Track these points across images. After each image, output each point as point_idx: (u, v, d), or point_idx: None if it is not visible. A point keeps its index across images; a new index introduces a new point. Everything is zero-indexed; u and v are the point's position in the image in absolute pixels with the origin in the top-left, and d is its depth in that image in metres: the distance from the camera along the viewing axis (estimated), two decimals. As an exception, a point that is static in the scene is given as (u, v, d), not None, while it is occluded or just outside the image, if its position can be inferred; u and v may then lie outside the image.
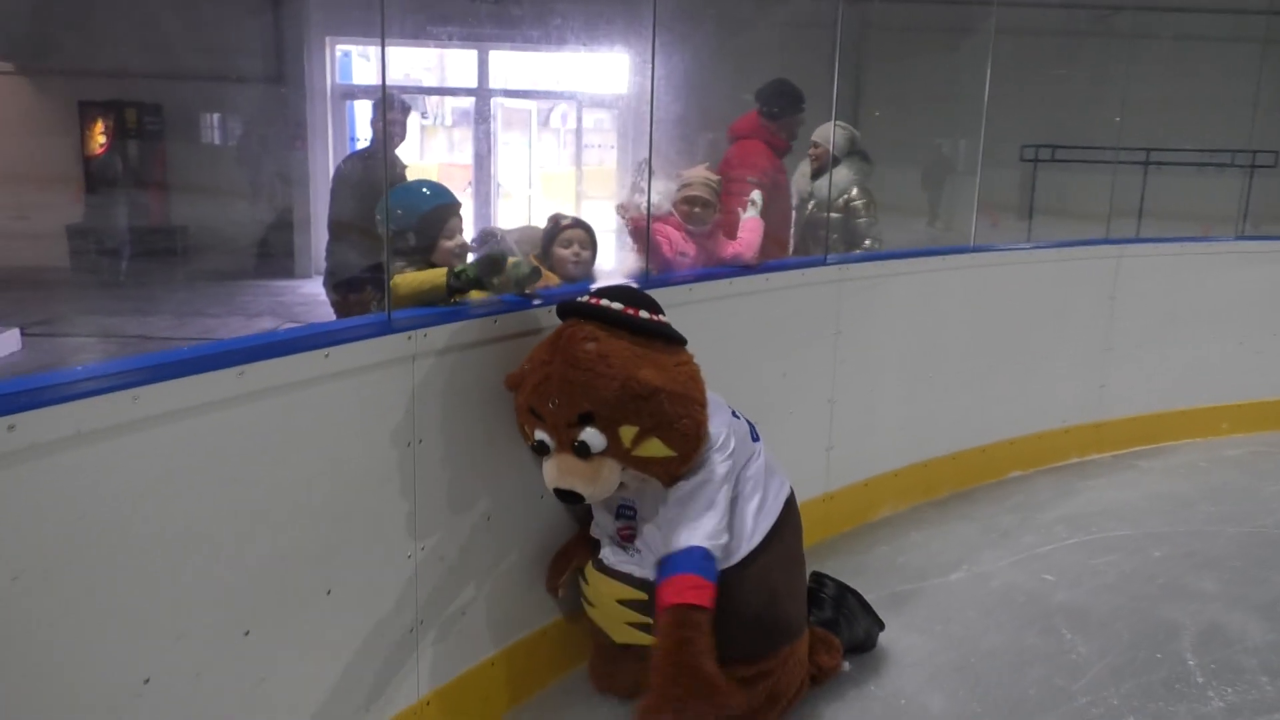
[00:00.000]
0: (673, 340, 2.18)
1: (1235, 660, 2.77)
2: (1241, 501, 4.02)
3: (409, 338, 2.02)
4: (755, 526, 2.29)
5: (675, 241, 3.14)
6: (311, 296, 8.95)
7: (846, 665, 2.65)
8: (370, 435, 1.97)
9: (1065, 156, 7.96)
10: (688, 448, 2.11)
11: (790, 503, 2.44)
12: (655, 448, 2.06)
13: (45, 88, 9.94)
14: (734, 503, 2.26)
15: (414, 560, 2.11)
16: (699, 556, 2.09)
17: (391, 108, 4.10)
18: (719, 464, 2.18)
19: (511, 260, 2.39)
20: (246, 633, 1.76)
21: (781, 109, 4.14)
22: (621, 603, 2.28)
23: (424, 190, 2.71)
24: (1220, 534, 3.68)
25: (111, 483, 1.50)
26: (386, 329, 2.01)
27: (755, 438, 2.41)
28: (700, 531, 2.12)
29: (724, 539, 2.16)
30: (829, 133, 4.09)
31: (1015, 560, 3.42)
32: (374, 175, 3.89)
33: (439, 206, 2.69)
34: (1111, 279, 4.45)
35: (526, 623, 2.47)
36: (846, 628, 2.65)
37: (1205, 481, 4.26)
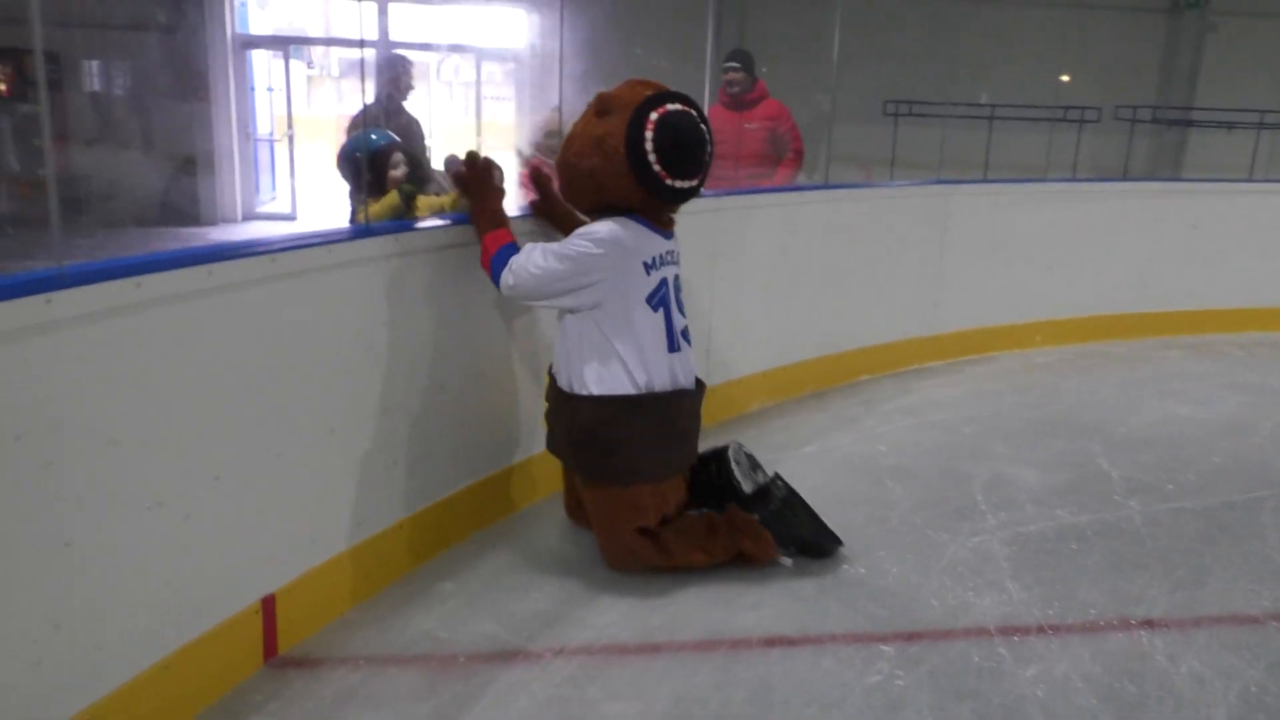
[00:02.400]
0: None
1: (1011, 496, 3.65)
2: (1041, 394, 4.97)
3: (383, 241, 2.66)
4: (598, 374, 2.81)
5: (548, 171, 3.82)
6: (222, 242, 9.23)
7: (788, 561, 3.01)
8: (358, 312, 2.61)
9: (921, 112, 8.85)
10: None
11: (676, 394, 2.89)
12: None
13: (-66, 33, 9.85)
14: (590, 336, 2.81)
15: (390, 414, 2.76)
16: (506, 255, 2.78)
17: (398, 66, 4.78)
18: (574, 243, 2.75)
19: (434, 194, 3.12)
20: (277, 455, 2.39)
21: (723, 71, 5.32)
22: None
23: (372, 136, 3.64)
24: (1018, 416, 4.60)
25: (179, 339, 2.11)
26: (368, 233, 2.64)
27: (653, 305, 2.84)
28: (523, 255, 2.77)
29: (510, 280, 2.75)
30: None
31: (857, 437, 4.25)
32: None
33: (382, 146, 3.57)
34: (943, 215, 5.31)
35: (476, 471, 3.15)
36: (784, 528, 3.02)
37: (1016, 381, 5.20)
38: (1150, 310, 6.22)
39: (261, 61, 11.34)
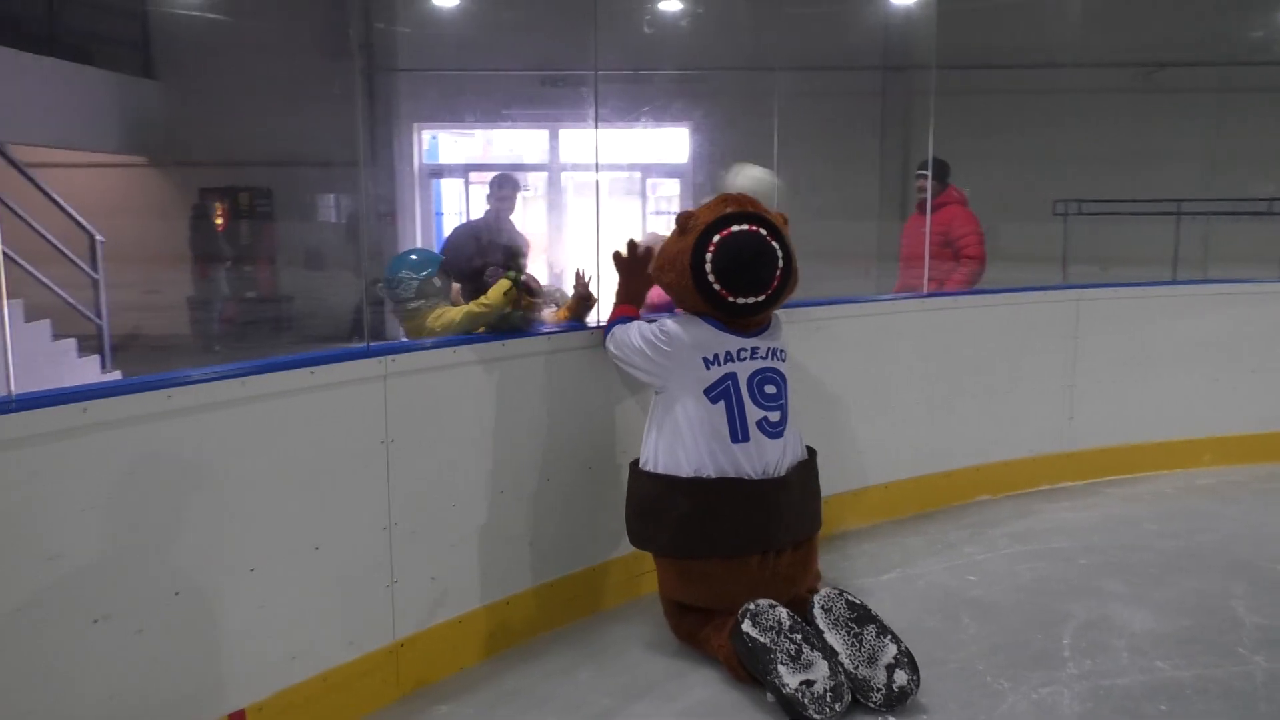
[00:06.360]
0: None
1: (1107, 642, 3.19)
2: (1189, 521, 4.36)
3: (380, 362, 2.72)
4: (659, 456, 3.08)
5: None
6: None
7: (769, 697, 2.76)
8: (355, 431, 2.66)
9: (1091, 210, 8.30)
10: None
11: (725, 481, 3.00)
12: None
13: (172, 178, 11.34)
14: (658, 415, 3.13)
15: (389, 532, 2.77)
16: (618, 323, 3.23)
17: (504, 185, 5.41)
18: (652, 329, 3.11)
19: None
20: (252, 569, 2.44)
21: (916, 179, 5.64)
22: None
23: (412, 257, 3.64)
24: (1151, 548, 4.05)
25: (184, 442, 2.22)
26: (367, 354, 2.71)
27: (712, 397, 3.05)
28: (622, 328, 3.18)
29: (610, 345, 3.20)
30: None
31: (948, 566, 3.88)
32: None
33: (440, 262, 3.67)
34: (1073, 321, 4.88)
35: (490, 594, 3.09)
36: (758, 666, 2.76)
37: (1164, 506, 4.61)
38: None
39: (453, 189, 12.26)
